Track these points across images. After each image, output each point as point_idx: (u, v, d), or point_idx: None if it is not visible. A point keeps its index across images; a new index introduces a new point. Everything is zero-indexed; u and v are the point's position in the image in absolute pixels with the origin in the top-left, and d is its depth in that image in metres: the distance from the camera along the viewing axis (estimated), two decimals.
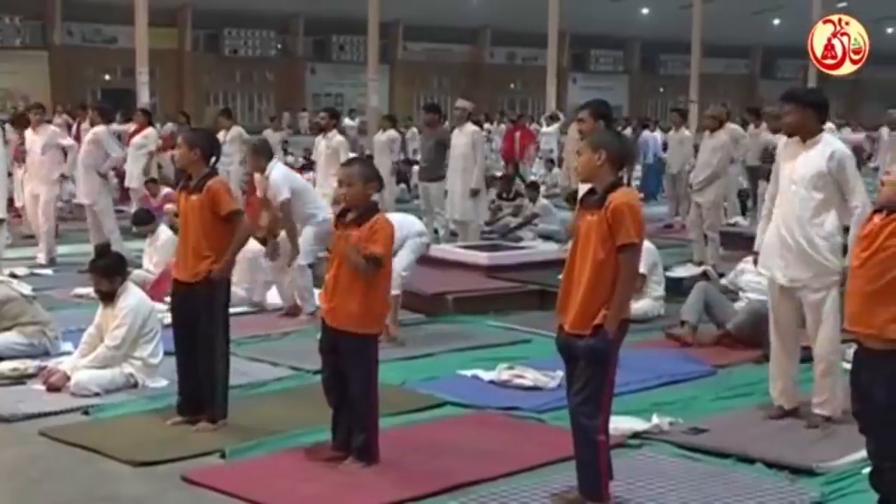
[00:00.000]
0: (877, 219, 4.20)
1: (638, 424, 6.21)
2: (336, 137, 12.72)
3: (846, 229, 6.07)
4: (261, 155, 9.20)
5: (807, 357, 6.49)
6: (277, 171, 9.10)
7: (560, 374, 5.79)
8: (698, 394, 7.05)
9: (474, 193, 12.34)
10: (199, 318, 6.22)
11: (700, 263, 11.26)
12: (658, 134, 20.97)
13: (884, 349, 4.09)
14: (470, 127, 12.58)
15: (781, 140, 6.57)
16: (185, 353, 6.34)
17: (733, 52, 46.66)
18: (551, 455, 5.66)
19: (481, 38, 43.27)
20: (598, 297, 4.81)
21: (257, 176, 9.39)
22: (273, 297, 9.72)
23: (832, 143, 6.20)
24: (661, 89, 45.60)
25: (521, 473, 5.56)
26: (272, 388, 7.25)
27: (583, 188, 5.26)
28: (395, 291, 7.73)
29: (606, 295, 4.80)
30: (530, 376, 7.19)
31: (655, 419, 6.28)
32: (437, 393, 7.03)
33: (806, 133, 6.17)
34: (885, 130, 19.18)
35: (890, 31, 45.08)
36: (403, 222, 8.33)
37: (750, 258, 8.04)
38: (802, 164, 6.18)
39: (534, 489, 5.31)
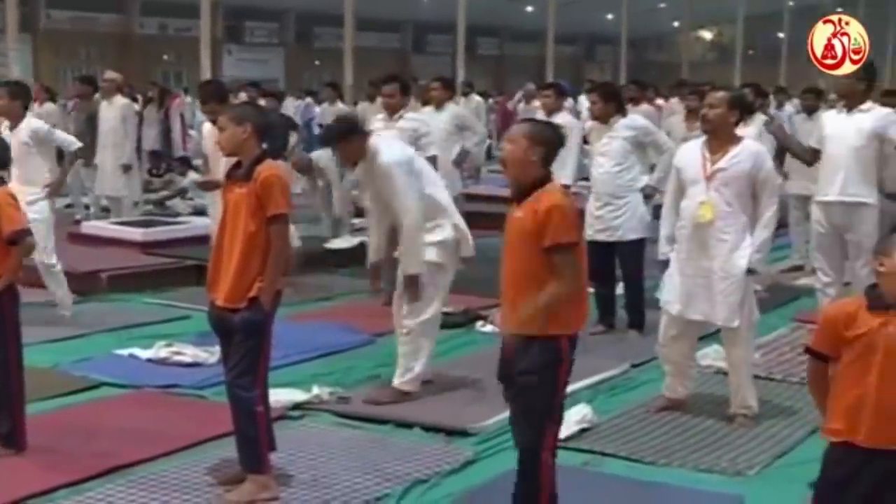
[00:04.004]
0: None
1: (298, 396, 6.28)
2: None
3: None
4: None
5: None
6: None
7: (220, 349, 5.76)
8: (357, 363, 7.20)
9: (126, 169, 12.00)
10: None
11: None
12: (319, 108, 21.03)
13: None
14: (120, 100, 12.20)
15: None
16: None
17: (386, 27, 47.48)
18: (213, 431, 5.62)
19: (130, 8, 41.90)
20: (251, 270, 4.82)
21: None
22: None
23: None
24: (317, 62, 45.78)
25: (182, 451, 5.50)
26: None
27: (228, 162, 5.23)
28: None
29: (259, 267, 4.82)
30: (189, 353, 7.11)
31: (315, 390, 6.37)
32: (92, 374, 6.83)
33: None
34: (521, 105, 20.09)
35: (529, 9, 47.28)
36: None
37: None
38: None
39: (195, 466, 5.26)
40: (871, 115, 7.14)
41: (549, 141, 4.30)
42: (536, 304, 4.16)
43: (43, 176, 8.22)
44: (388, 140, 6.57)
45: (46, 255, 8.16)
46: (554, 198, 4.20)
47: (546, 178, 4.27)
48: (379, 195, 6.30)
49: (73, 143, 8.54)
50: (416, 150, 8.48)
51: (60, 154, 8.72)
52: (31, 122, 8.36)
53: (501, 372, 4.38)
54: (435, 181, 6.60)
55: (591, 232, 7.99)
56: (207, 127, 7.72)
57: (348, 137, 6.19)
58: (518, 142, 4.27)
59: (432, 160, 8.57)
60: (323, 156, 11.37)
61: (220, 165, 7.12)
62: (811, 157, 7.53)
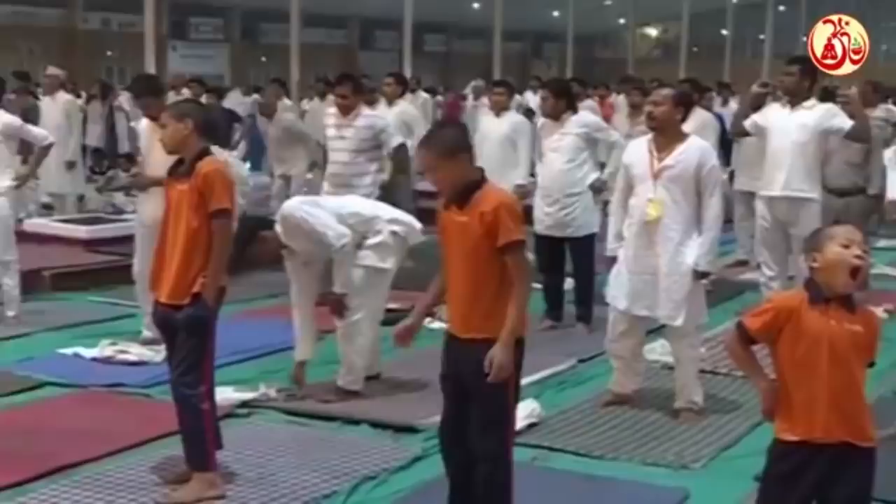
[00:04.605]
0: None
1: (245, 393, 6.25)
2: None
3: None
4: None
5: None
6: None
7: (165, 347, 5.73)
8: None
9: (70, 165, 11.88)
10: None
11: None
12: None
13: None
14: (63, 96, 12.08)
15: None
16: None
17: (332, 23, 47.30)
18: (159, 430, 5.57)
19: (72, 2, 41.41)
20: (195, 266, 4.80)
21: None
22: None
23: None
24: (264, 59, 45.49)
25: (127, 451, 5.46)
26: None
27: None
28: None
29: (202, 263, 4.80)
30: (135, 351, 7.06)
31: (262, 388, 6.34)
32: (35, 374, 6.75)
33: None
34: (469, 101, 20.11)
35: (476, 5, 47.30)
36: None
37: None
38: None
39: (140, 465, 5.22)
40: (815, 111, 7.24)
41: (464, 145, 4.21)
42: (514, 311, 4.09)
43: (6, 171, 8.13)
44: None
45: (3, 251, 8.06)
46: (498, 196, 4.18)
47: (482, 177, 4.21)
48: (310, 252, 6.25)
49: (46, 137, 8.43)
50: (376, 146, 8.49)
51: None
52: (3, 116, 8.26)
53: (450, 372, 4.32)
54: (347, 203, 6.54)
55: (542, 228, 8.03)
56: (144, 123, 7.63)
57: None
58: (436, 166, 4.17)
59: (400, 149, 8.58)
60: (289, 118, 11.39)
61: (154, 162, 7.10)
62: (738, 132, 7.90)
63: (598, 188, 8.01)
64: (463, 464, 4.30)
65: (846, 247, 3.55)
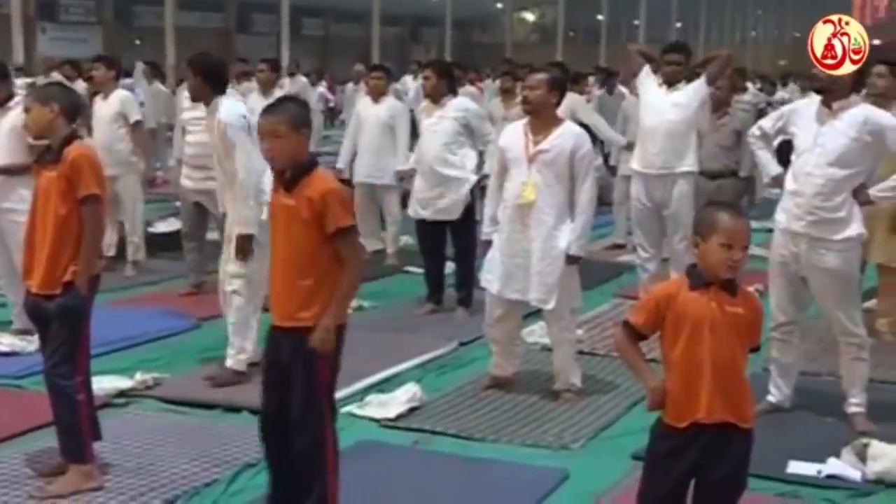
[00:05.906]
0: None
1: (122, 382, 6.14)
2: None
3: None
4: None
5: None
6: None
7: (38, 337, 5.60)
8: (183, 348, 7.08)
9: None
10: None
11: None
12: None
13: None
14: None
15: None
16: None
17: (208, 5, 46.65)
18: (32, 422, 5.44)
19: None
20: (65, 255, 4.69)
21: None
22: None
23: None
24: (138, 42, 44.63)
25: None
26: None
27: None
28: None
29: (73, 252, 4.69)
30: (6, 341, 6.88)
31: (139, 376, 6.24)
32: None
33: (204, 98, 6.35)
34: (349, 86, 20.04)
35: None
36: None
37: None
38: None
39: (13, 459, 5.09)
40: (685, 91, 7.45)
41: (307, 123, 4.17)
42: (340, 295, 4.07)
43: None
44: (232, 100, 6.40)
45: None
46: (326, 183, 4.10)
47: (314, 162, 4.18)
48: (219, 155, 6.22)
49: None
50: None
51: None
52: None
53: (271, 362, 4.28)
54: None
55: (419, 210, 8.01)
56: None
57: (202, 76, 6.25)
58: (279, 132, 4.07)
59: None
60: None
61: None
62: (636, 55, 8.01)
63: (472, 189, 7.94)
64: (286, 455, 4.26)
65: (728, 247, 3.57)
